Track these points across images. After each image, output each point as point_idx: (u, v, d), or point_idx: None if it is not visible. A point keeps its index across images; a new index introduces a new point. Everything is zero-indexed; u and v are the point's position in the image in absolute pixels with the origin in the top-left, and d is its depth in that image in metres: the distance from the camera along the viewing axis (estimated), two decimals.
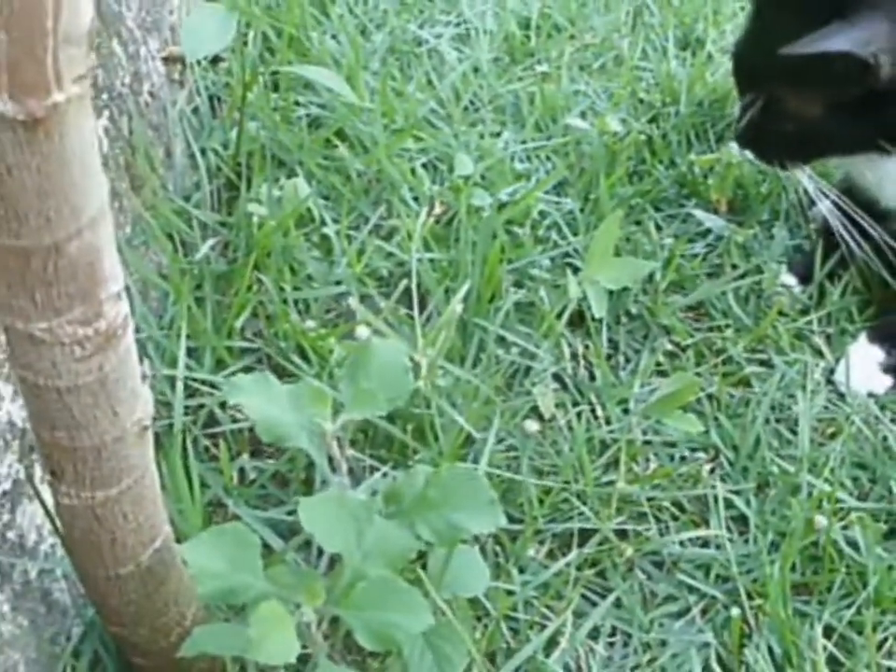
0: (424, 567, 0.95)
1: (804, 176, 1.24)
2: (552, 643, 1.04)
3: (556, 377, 1.28)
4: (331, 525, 0.76)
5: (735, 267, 1.44)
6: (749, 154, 1.32)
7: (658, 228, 1.48)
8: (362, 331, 1.13)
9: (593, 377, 1.28)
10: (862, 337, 1.35)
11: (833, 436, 1.27)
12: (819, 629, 1.05)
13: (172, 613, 0.82)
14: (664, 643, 1.07)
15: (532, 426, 1.17)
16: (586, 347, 1.31)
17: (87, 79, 0.52)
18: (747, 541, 1.16)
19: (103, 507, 0.68)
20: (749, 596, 1.10)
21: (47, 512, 0.82)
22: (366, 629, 0.74)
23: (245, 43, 1.64)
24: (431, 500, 0.83)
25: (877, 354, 1.33)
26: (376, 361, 0.86)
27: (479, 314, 1.27)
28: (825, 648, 1.04)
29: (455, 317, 1.11)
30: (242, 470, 1.14)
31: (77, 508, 0.68)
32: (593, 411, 1.25)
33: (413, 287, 1.24)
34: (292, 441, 0.85)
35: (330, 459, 0.85)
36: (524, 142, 1.60)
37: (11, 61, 0.47)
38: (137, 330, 1.17)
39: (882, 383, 1.33)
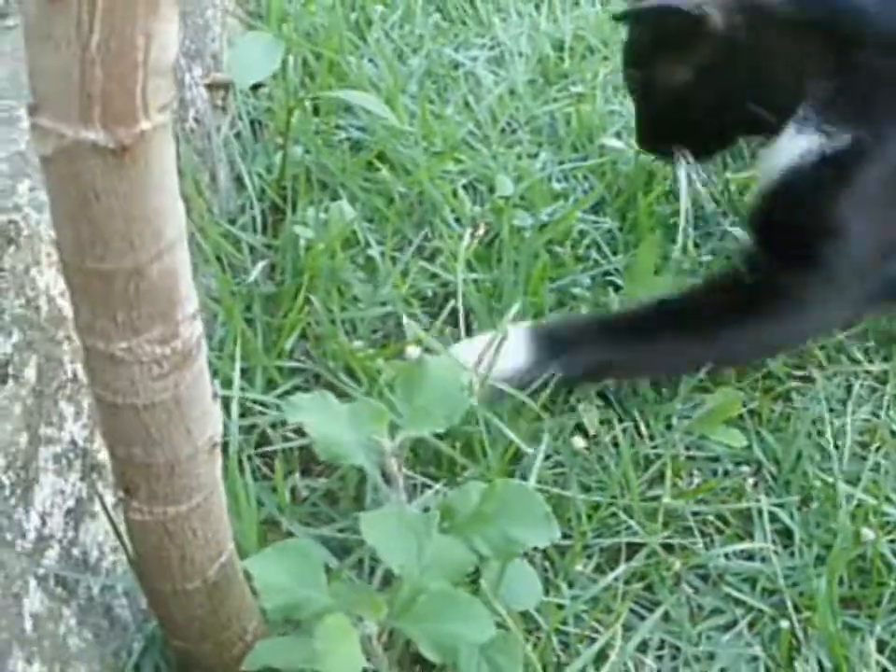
0: (476, 581, 0.97)
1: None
2: (601, 657, 1.05)
3: (600, 394, 1.29)
4: (392, 539, 0.77)
5: None
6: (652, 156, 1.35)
7: (696, 245, 1.50)
8: (412, 351, 1.15)
9: (636, 393, 1.30)
10: None
11: (877, 449, 1.28)
12: (870, 643, 1.05)
13: (235, 628, 0.84)
14: (712, 656, 1.08)
15: (579, 442, 1.19)
16: None
17: (170, 108, 0.54)
18: (792, 554, 1.16)
19: (174, 522, 0.70)
20: (797, 609, 1.11)
21: (114, 528, 0.84)
22: (429, 641, 0.76)
23: (286, 69, 1.67)
24: (487, 515, 0.84)
25: None
26: (431, 380, 0.88)
27: None
28: (877, 662, 1.05)
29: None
30: (293, 489, 1.16)
31: (148, 524, 0.71)
32: (636, 427, 1.26)
33: (459, 306, 1.25)
34: (350, 459, 0.86)
35: (385, 475, 0.87)
36: (561, 162, 1.62)
37: (105, 93, 0.49)
38: None
39: None
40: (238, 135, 1.58)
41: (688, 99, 1.20)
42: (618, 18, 1.27)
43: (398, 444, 0.82)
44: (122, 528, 0.78)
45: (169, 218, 0.58)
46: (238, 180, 1.50)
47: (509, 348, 1.16)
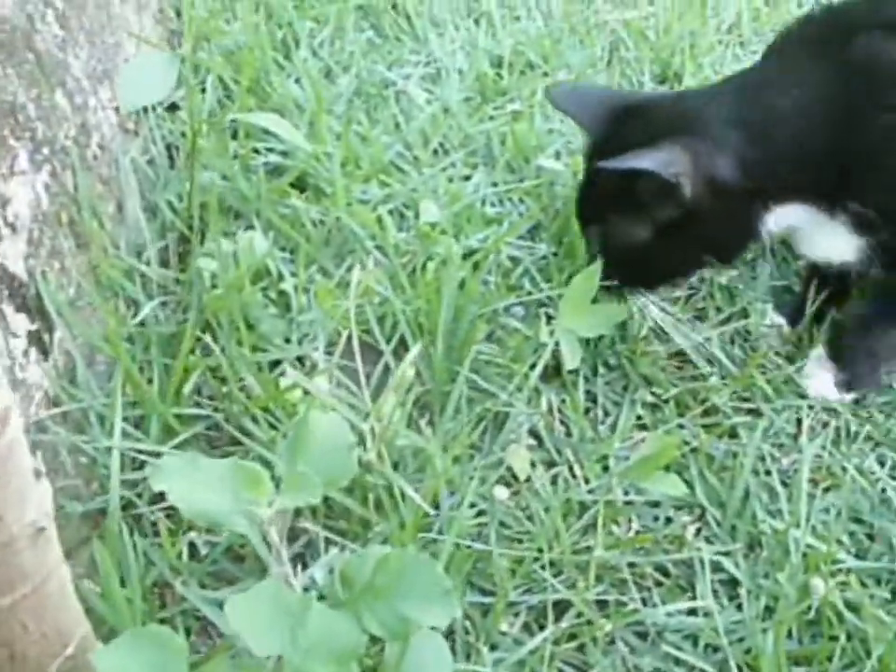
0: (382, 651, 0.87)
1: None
2: None
3: (531, 433, 1.20)
4: (262, 623, 0.68)
5: (719, 310, 1.37)
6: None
7: None
8: (321, 384, 1.05)
9: (570, 433, 1.21)
10: (821, 350, 1.33)
11: (826, 489, 1.19)
12: None
13: None
14: None
15: (502, 493, 1.09)
16: (562, 401, 1.24)
17: None
18: (738, 607, 1.08)
19: None
20: (741, 669, 1.02)
21: None
22: None
23: (204, 90, 1.58)
24: (379, 589, 0.75)
25: (832, 368, 1.31)
26: (317, 437, 0.78)
27: (446, 368, 1.20)
28: None
29: (408, 381, 1.04)
30: (193, 546, 1.07)
31: None
32: (570, 469, 1.17)
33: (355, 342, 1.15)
34: (228, 527, 0.77)
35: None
36: (495, 184, 1.53)
37: None
38: (79, 400, 1.10)
39: (836, 395, 1.30)
40: (151, 161, 1.48)
41: (648, 254, 1.25)
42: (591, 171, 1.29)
43: (274, 512, 0.73)
44: None
45: None
46: (150, 211, 1.40)
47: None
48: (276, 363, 1.20)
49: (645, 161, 1.16)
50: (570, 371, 1.23)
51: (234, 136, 1.52)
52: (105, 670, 0.66)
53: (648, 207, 1.21)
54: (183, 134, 1.51)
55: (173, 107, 1.57)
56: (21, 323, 1.06)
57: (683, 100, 1.31)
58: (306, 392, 1.07)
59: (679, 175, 1.16)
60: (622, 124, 1.27)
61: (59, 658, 0.67)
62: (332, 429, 0.79)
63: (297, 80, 1.67)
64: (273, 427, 1.09)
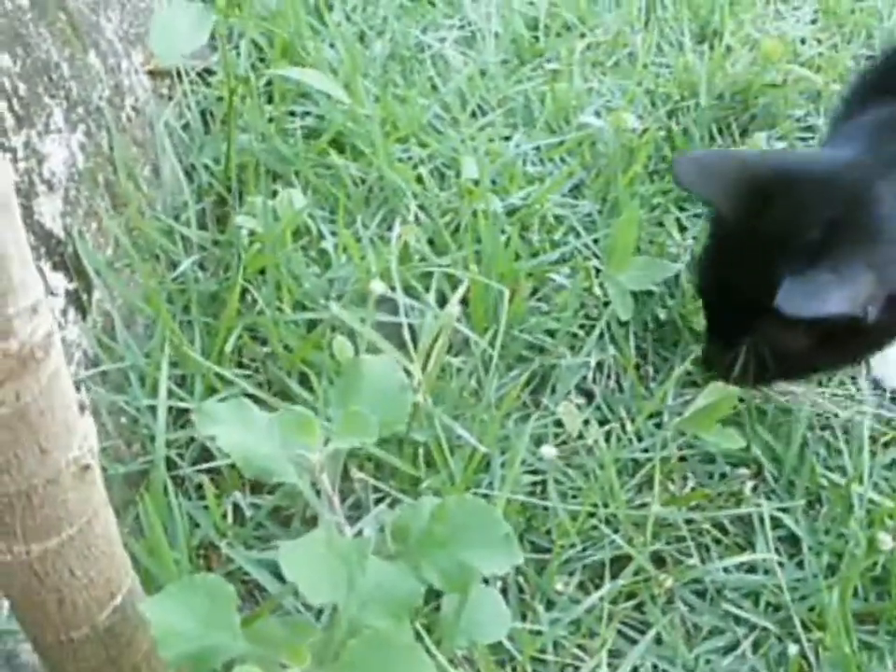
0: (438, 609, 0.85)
1: None
2: None
3: (581, 390, 1.17)
4: (318, 571, 0.65)
5: None
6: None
7: (682, 228, 1.37)
8: (377, 286, 1.00)
9: (621, 389, 1.17)
10: None
11: (886, 444, 1.15)
12: (890, 665, 0.93)
13: None
14: None
15: (551, 451, 1.06)
16: (613, 358, 1.20)
17: None
18: (799, 565, 1.04)
19: (41, 562, 0.58)
20: (806, 628, 0.99)
21: None
22: None
23: (239, 55, 1.55)
24: (437, 537, 0.72)
25: None
26: (369, 381, 0.75)
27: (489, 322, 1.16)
28: None
29: (453, 320, 1.00)
30: (238, 508, 1.04)
31: (11, 565, 0.58)
32: (622, 426, 1.14)
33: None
34: (278, 476, 0.74)
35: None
36: (536, 147, 1.49)
37: None
38: (119, 359, 1.08)
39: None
40: (186, 127, 1.45)
41: (805, 357, 1.09)
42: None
43: (327, 457, 0.70)
44: None
45: None
46: (187, 174, 1.38)
47: None
48: (318, 322, 1.17)
49: (836, 302, 0.98)
50: (622, 325, 1.20)
51: (270, 101, 1.49)
52: (156, 620, 0.64)
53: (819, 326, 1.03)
54: (219, 98, 1.49)
55: (207, 73, 1.54)
56: (59, 282, 1.04)
57: (839, 174, 1.10)
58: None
59: (868, 306, 1.00)
60: (769, 206, 1.07)
61: (107, 608, 0.65)
62: (384, 371, 0.76)
63: (332, 45, 1.64)
64: (315, 388, 1.06)
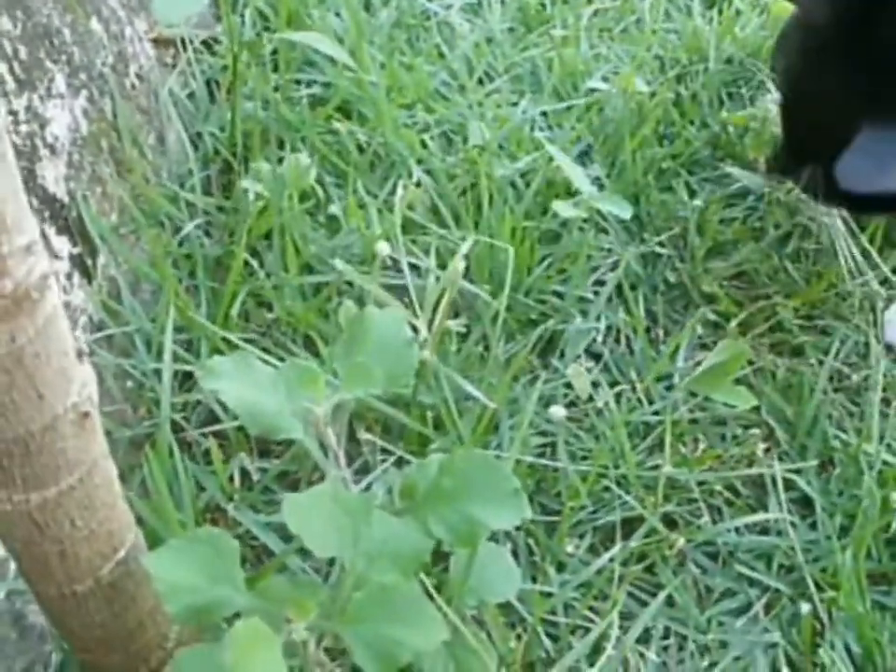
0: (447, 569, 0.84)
1: None
2: (597, 650, 0.92)
3: (591, 354, 1.16)
4: (323, 525, 0.64)
5: (777, 227, 1.31)
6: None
7: (692, 192, 1.36)
8: (383, 247, 0.99)
9: (631, 352, 1.16)
10: None
11: None
12: None
13: (150, 635, 0.71)
14: (724, 645, 0.95)
15: (559, 412, 1.05)
16: (623, 321, 1.19)
17: None
18: (812, 526, 1.03)
19: (41, 511, 0.57)
20: (819, 588, 0.98)
21: None
22: (364, 647, 0.62)
23: (243, 23, 1.54)
24: (445, 492, 0.71)
25: None
26: (375, 333, 0.74)
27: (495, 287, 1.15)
28: None
29: (458, 275, 0.99)
30: (245, 472, 1.03)
31: (11, 514, 0.57)
32: (633, 388, 1.13)
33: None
34: (284, 432, 0.73)
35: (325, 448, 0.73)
36: (543, 112, 1.48)
37: None
38: (126, 324, 1.07)
39: None
40: (191, 96, 1.44)
41: None
42: None
43: (331, 408, 0.69)
44: None
45: None
46: (192, 142, 1.37)
47: None
48: (324, 286, 1.16)
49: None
50: (632, 288, 1.19)
51: (275, 69, 1.48)
52: (159, 574, 0.63)
53: None
54: (224, 68, 1.47)
55: (211, 41, 1.53)
56: (63, 245, 1.03)
57: None
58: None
59: None
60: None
61: (110, 562, 0.64)
62: (390, 324, 0.75)
63: (337, 14, 1.63)
64: (320, 353, 1.05)
